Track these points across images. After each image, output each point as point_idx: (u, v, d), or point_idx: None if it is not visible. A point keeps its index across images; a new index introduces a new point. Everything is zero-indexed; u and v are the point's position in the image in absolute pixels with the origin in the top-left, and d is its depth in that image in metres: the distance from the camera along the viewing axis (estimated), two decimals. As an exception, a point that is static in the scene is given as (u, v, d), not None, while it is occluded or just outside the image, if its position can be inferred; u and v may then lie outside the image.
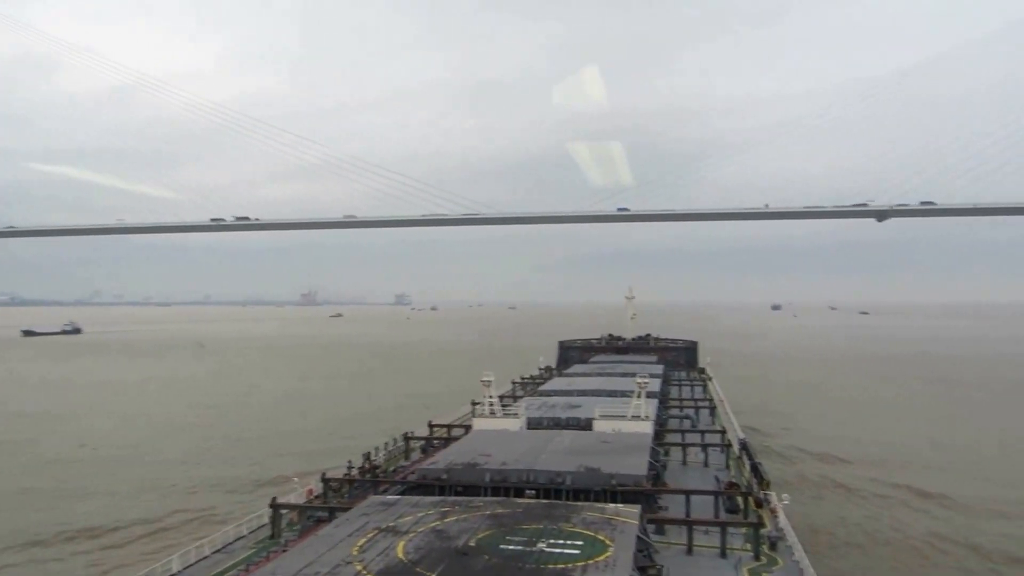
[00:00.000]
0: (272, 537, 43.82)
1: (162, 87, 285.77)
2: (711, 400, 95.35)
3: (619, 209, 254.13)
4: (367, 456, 62.57)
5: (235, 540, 43.74)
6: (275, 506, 45.32)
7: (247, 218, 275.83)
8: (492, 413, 70.19)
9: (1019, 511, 72.19)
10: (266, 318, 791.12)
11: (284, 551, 36.78)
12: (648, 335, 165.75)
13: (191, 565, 39.62)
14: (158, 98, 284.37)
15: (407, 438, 71.12)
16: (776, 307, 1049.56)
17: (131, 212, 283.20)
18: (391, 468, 63.58)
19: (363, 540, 34.99)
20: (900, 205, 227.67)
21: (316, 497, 52.06)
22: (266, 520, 45.84)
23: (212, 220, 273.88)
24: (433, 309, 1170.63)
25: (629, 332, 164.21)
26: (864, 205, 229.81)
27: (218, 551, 41.76)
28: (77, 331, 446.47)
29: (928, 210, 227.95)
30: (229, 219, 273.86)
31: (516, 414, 71.26)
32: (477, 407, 75.82)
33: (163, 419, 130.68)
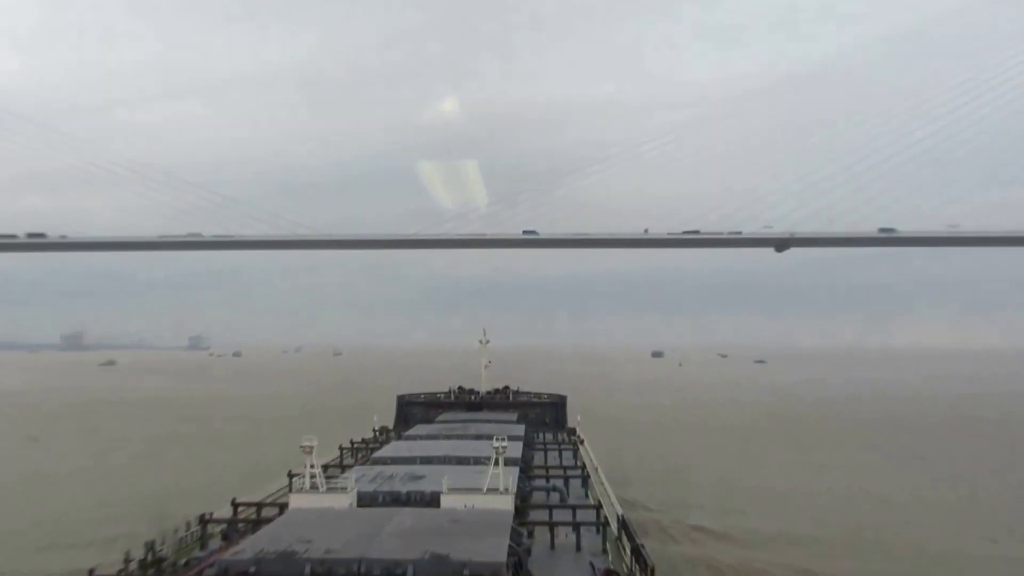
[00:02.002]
0: None
1: None
2: (583, 468, 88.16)
3: (525, 232, 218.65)
4: (150, 546, 50.84)
5: None
6: None
7: (42, 234, 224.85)
8: (314, 487, 60.52)
9: None
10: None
11: None
12: (506, 388, 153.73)
13: None
14: None
15: (204, 521, 59.42)
16: (657, 354, 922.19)
17: None
18: (182, 561, 52.13)
19: None
20: (804, 233, 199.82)
21: None
22: None
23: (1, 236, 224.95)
24: (236, 355, 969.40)
25: (483, 384, 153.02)
26: (767, 231, 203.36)
27: None
28: None
29: (833, 239, 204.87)
30: (21, 236, 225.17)
31: (344, 488, 62.28)
32: (295, 479, 65.58)
33: None
